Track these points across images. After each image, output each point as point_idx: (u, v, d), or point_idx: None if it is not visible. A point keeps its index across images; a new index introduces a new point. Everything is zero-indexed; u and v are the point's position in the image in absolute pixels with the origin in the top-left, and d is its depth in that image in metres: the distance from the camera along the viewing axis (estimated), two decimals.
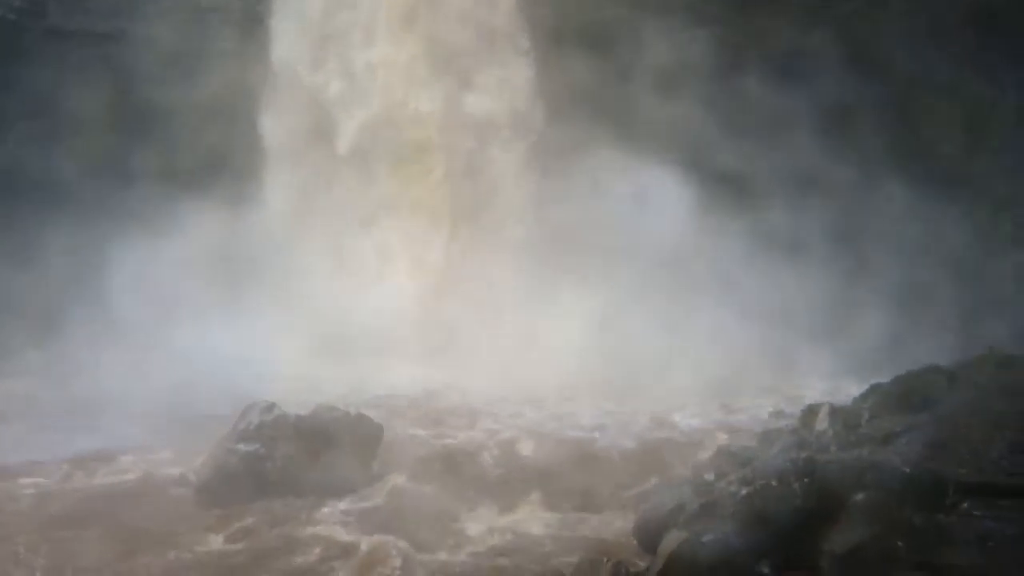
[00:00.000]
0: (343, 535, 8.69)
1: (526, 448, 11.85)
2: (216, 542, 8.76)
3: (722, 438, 11.76)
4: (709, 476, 8.54)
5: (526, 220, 18.20)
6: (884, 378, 9.74)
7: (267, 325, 15.80)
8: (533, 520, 9.26)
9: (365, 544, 8.39)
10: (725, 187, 16.68)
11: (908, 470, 7.13)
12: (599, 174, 16.87)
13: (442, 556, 8.22)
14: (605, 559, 7.08)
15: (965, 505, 6.84)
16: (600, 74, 17.78)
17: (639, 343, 14.71)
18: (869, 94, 17.24)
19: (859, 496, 6.81)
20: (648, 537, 7.54)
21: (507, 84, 18.60)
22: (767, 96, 16.86)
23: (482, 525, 8.99)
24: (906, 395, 8.93)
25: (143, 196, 17.75)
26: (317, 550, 8.41)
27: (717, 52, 17.62)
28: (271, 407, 10.78)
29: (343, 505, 9.50)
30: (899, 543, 6.32)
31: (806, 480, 7.15)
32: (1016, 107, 16.33)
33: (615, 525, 9.09)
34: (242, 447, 10.34)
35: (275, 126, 19.41)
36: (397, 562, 7.99)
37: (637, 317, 15.15)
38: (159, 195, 17.53)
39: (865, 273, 15.38)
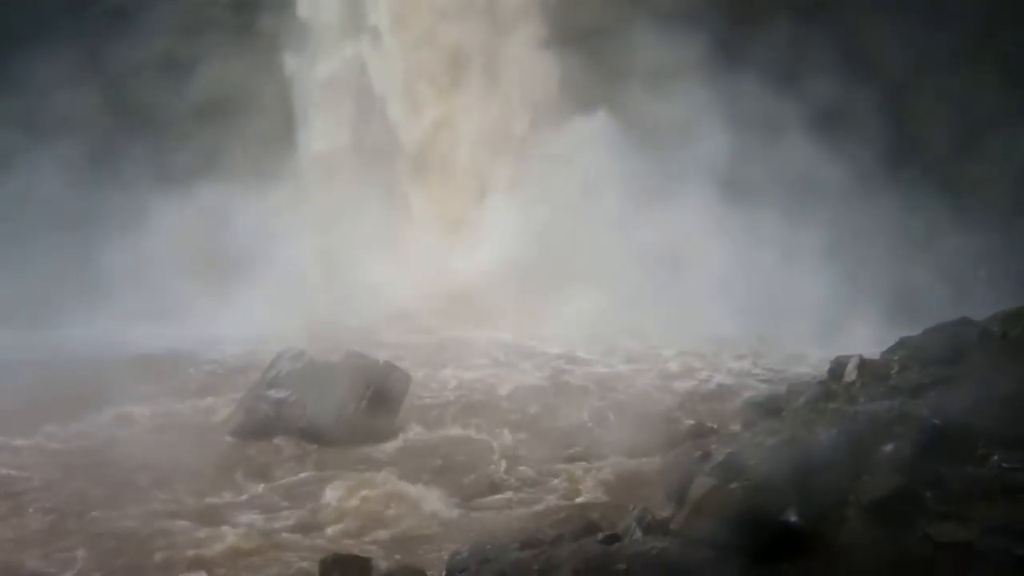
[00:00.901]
0: (365, 480, 8.84)
1: (557, 394, 11.99)
2: (248, 483, 8.91)
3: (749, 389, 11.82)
4: (736, 426, 8.60)
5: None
6: None
7: None
8: (559, 464, 9.34)
9: (386, 488, 8.53)
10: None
11: (938, 422, 7.11)
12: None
13: (481, 503, 8.33)
14: (631, 506, 7.17)
15: (995, 457, 6.82)
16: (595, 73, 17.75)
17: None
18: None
19: (888, 447, 6.80)
20: (675, 485, 7.55)
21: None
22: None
23: (510, 470, 9.08)
24: (936, 348, 8.86)
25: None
26: (333, 498, 8.59)
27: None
28: (301, 354, 10.93)
29: (368, 450, 9.65)
30: (927, 494, 6.31)
31: (834, 431, 7.16)
32: None
33: (644, 472, 9.17)
34: (272, 393, 10.51)
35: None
36: (415, 510, 8.13)
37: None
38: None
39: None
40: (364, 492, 8.53)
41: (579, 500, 8.46)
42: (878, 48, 17.45)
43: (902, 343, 9.39)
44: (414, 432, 10.28)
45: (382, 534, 7.88)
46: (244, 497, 8.69)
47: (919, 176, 16.70)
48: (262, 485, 8.94)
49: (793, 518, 5.98)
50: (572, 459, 9.57)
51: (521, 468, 9.26)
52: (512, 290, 15.80)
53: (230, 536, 7.77)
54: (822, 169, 16.14)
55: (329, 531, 7.97)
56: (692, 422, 10.32)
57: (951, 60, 16.77)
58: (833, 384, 9.00)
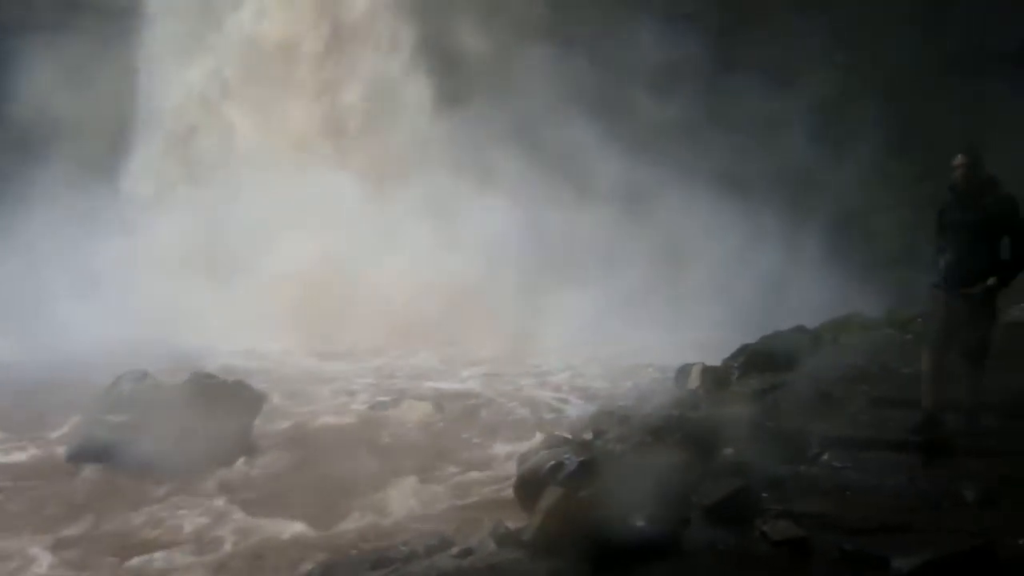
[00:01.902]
0: (213, 508, 8.49)
1: (409, 409, 11.89)
2: (76, 519, 8.41)
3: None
4: (588, 434, 8.77)
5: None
6: None
7: None
8: (411, 481, 9.26)
9: (234, 514, 8.24)
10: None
11: (772, 424, 7.48)
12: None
13: (316, 530, 8.10)
14: (485, 519, 7.19)
15: (826, 457, 7.24)
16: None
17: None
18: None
19: (728, 451, 7.11)
20: (528, 495, 7.65)
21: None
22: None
23: (361, 490, 8.93)
24: (773, 354, 9.32)
25: None
26: (182, 522, 8.24)
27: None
28: (144, 375, 10.47)
29: (215, 475, 9.29)
30: (764, 494, 6.62)
31: (678, 436, 7.43)
32: None
33: (497, 485, 9.20)
34: (112, 418, 9.99)
35: None
36: (263, 531, 7.88)
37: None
38: None
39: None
40: (209, 517, 8.20)
41: (433, 516, 8.39)
42: (876, 46, 17.59)
43: (743, 350, 9.84)
44: (265, 456, 9.94)
45: (229, 559, 7.59)
46: (72, 527, 8.19)
47: (921, 175, 16.45)
48: (91, 515, 8.43)
49: (640, 523, 6.14)
50: (427, 477, 9.49)
51: (375, 488, 9.09)
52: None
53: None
54: (822, 168, 16.42)
55: (171, 554, 7.61)
56: (546, 433, 10.49)
57: (951, 60, 16.89)
58: (678, 391, 9.31)
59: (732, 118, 16.98)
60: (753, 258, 15.31)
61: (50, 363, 13.09)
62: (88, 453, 9.77)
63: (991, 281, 6.86)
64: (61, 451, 10.07)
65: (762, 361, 9.29)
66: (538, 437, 9.98)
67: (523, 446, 9.64)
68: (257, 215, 17.38)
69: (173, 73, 19.24)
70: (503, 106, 17.12)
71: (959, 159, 7.02)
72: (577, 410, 11.77)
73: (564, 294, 15.48)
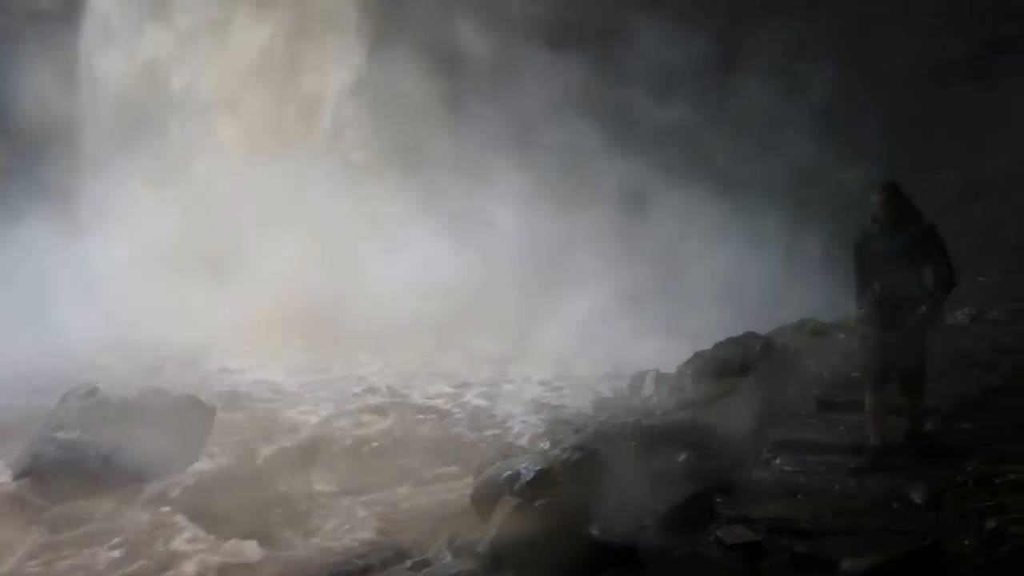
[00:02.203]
0: (163, 522, 8.37)
1: (368, 422, 11.82)
2: (27, 538, 8.23)
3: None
4: (544, 444, 8.79)
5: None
6: None
7: None
8: (367, 493, 9.21)
9: (188, 530, 8.13)
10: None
11: (726, 430, 7.57)
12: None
13: (268, 546, 8.01)
14: (441, 530, 7.18)
15: (778, 461, 7.34)
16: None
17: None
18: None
19: (681, 457, 7.18)
20: (485, 506, 7.64)
21: None
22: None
23: (316, 506, 8.85)
24: (726, 361, 9.41)
25: None
26: (133, 539, 8.10)
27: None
28: (93, 391, 10.27)
29: (166, 490, 9.15)
30: (718, 499, 6.70)
31: (633, 444, 7.49)
32: None
33: (455, 496, 9.18)
34: (61, 435, 9.80)
35: None
36: (216, 550, 7.78)
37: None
38: None
39: None
40: (158, 534, 8.07)
41: (389, 528, 8.34)
42: (878, 48, 17.29)
43: (696, 356, 9.91)
44: (217, 470, 9.80)
45: None
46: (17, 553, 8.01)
47: (924, 178, 16.13)
48: (44, 535, 8.25)
49: (596, 531, 6.18)
50: (383, 489, 9.42)
51: (330, 502, 9.02)
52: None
53: None
54: (824, 171, 16.34)
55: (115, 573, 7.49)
56: (504, 443, 10.51)
57: (954, 62, 16.77)
58: (633, 398, 9.37)
59: (733, 120, 17.00)
60: (754, 261, 15.27)
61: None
62: (35, 472, 9.54)
63: (922, 310, 6.86)
64: (7, 470, 9.80)
65: (715, 367, 9.36)
66: (495, 448, 9.99)
67: (481, 457, 9.60)
68: (244, 218, 17.25)
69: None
70: (503, 107, 17.04)
71: (879, 192, 7.05)
72: (540, 421, 11.74)
73: (563, 297, 15.45)
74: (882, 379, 7.07)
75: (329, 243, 16.96)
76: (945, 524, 6.00)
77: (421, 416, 12.29)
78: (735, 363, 9.39)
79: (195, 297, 15.74)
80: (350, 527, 8.41)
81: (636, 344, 14.58)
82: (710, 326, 13.98)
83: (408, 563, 6.38)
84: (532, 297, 15.52)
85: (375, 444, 11.09)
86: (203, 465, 9.89)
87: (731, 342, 10.11)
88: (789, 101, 16.62)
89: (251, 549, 7.91)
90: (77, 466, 9.42)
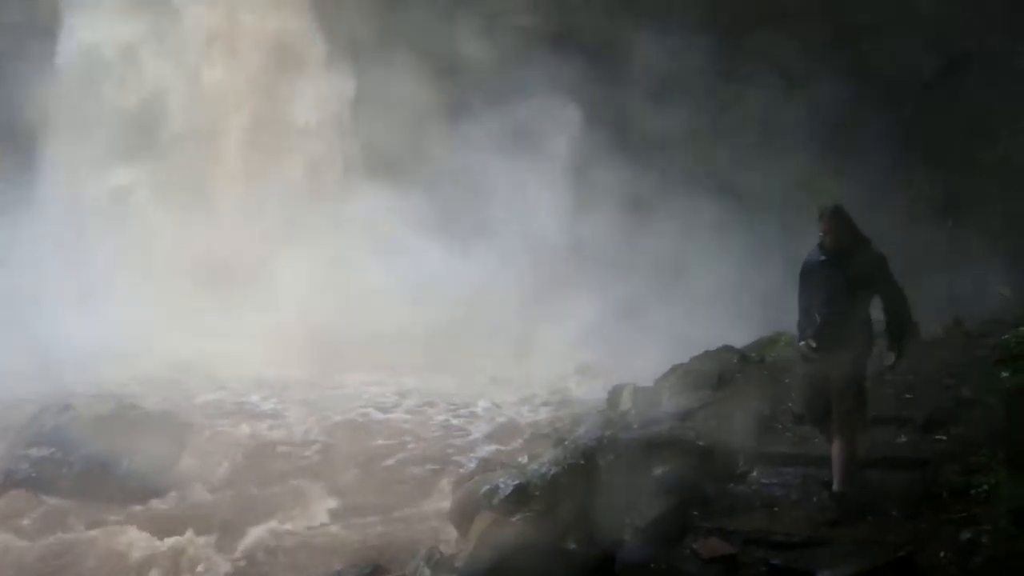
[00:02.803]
0: (140, 538, 8.26)
1: (344, 435, 11.75)
2: None
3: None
4: (523, 458, 8.78)
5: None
6: None
7: None
8: (347, 510, 9.16)
9: (162, 548, 8.05)
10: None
11: (702, 443, 7.59)
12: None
13: (246, 557, 7.96)
14: (419, 545, 7.15)
15: (754, 474, 7.37)
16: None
17: None
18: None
19: (659, 470, 7.19)
20: (463, 521, 7.62)
21: None
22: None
23: (290, 522, 8.79)
24: (704, 373, 9.44)
25: None
26: (108, 557, 8.01)
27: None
28: (66, 408, 10.23)
29: (142, 508, 9.07)
30: (695, 512, 6.71)
31: (611, 457, 7.48)
32: None
33: (434, 511, 9.15)
34: (34, 452, 9.71)
35: None
36: (193, 565, 7.71)
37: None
38: None
39: None
40: (136, 552, 7.98)
41: (367, 543, 8.30)
42: (882, 54, 17.22)
43: (673, 370, 9.94)
44: (191, 487, 9.71)
45: None
46: None
47: (927, 184, 16.53)
48: (14, 550, 8.16)
49: (573, 545, 6.18)
50: (361, 505, 9.39)
51: (306, 518, 8.97)
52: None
53: None
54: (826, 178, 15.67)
55: None
56: (482, 456, 10.50)
57: (957, 68, 16.63)
58: (611, 412, 9.37)
59: (735, 127, 17.03)
60: (755, 268, 15.30)
61: None
62: (7, 489, 9.43)
63: (889, 361, 6.53)
64: None
65: (692, 380, 9.39)
66: (473, 462, 9.97)
67: (460, 474, 9.59)
68: (245, 224, 17.19)
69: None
70: (504, 114, 17.05)
71: (824, 218, 6.68)
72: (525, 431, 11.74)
73: (564, 304, 15.44)
74: (825, 416, 6.65)
75: (328, 253, 16.89)
76: (921, 535, 6.04)
77: (404, 428, 12.28)
78: (712, 376, 9.42)
79: (191, 309, 15.61)
80: (325, 542, 8.35)
81: (636, 352, 14.74)
82: (711, 335, 14.19)
83: None
84: (532, 305, 15.54)
85: (354, 459, 11.03)
86: (177, 480, 9.80)
87: (707, 355, 10.15)
88: (789, 108, 16.56)
89: (225, 564, 7.85)
90: (52, 483, 9.32)
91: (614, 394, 9.76)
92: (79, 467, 9.55)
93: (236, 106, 18.61)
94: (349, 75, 19.08)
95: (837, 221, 6.63)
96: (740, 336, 12.93)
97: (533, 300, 15.64)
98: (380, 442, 11.71)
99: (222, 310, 15.39)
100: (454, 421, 12.79)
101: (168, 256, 16.72)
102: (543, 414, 12.99)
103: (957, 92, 16.48)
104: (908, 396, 8.42)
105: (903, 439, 7.62)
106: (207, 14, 18.60)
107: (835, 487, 6.53)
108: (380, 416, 13.00)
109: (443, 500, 9.37)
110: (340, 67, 19.05)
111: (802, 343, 6.74)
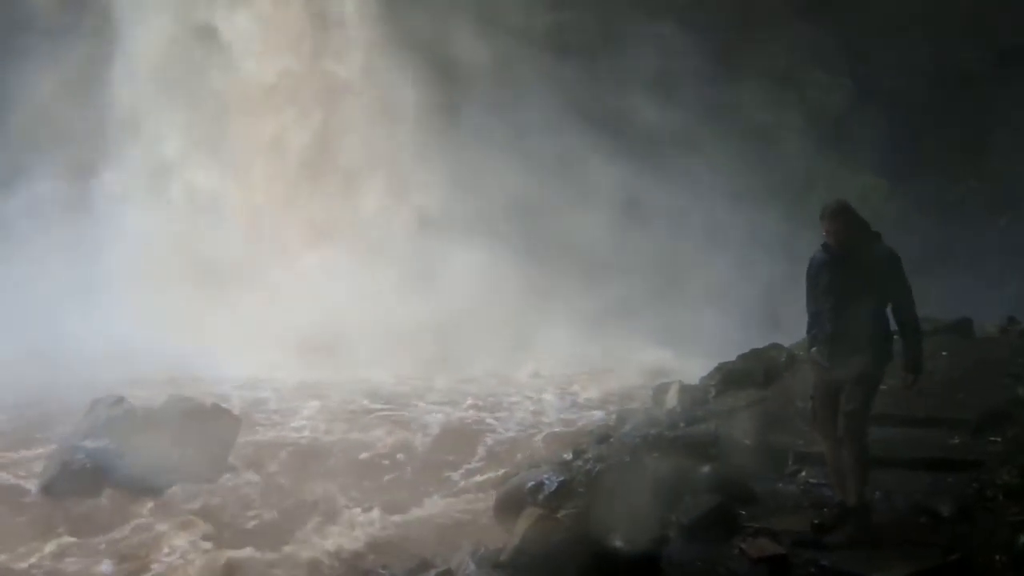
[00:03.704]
0: (187, 531, 8.41)
1: (390, 433, 11.83)
2: (52, 544, 8.29)
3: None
4: (568, 455, 8.78)
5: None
6: None
7: None
8: (390, 503, 9.23)
9: (208, 539, 8.21)
10: None
11: (749, 442, 7.53)
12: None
13: (292, 554, 8.04)
14: (465, 540, 7.19)
15: (803, 473, 7.29)
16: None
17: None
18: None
19: (705, 468, 7.14)
20: (508, 516, 7.66)
21: None
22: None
23: (338, 518, 8.87)
24: (749, 372, 9.37)
25: None
26: (153, 544, 8.19)
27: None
28: (120, 401, 10.38)
29: (193, 499, 9.21)
30: (742, 511, 6.66)
31: (656, 455, 7.46)
32: None
33: (476, 507, 9.19)
34: (89, 443, 9.91)
35: None
36: (237, 559, 7.81)
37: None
38: None
39: None
40: (184, 542, 8.14)
41: (413, 538, 8.35)
42: (879, 54, 17.27)
43: (719, 368, 9.88)
44: (243, 479, 9.86)
45: None
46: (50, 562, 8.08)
47: (924, 183, 16.50)
48: (64, 541, 8.31)
49: (618, 542, 6.16)
50: (407, 499, 9.45)
51: (353, 511, 9.04)
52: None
53: None
54: (823, 178, 16.15)
55: None
56: (526, 453, 10.51)
57: (956, 69, 16.64)
58: (656, 410, 9.34)
59: (732, 127, 16.90)
60: (752, 267, 15.24)
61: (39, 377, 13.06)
62: (63, 479, 9.63)
63: (909, 380, 6.03)
64: (35, 477, 9.90)
65: (738, 379, 9.34)
66: (518, 458, 9.98)
67: (503, 468, 9.61)
68: (249, 229, 17.32)
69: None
70: (501, 114, 17.07)
71: (831, 216, 6.05)
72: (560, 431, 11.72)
73: (561, 304, 15.43)
74: (834, 427, 6.20)
75: (327, 254, 17.01)
76: (975, 538, 5.94)
77: (432, 428, 12.18)
78: (758, 374, 9.36)
79: (199, 309, 15.78)
80: (373, 535, 8.42)
81: (634, 351, 14.82)
82: (708, 333, 14.18)
83: (432, 573, 6.39)
84: (531, 304, 15.49)
85: (395, 453, 11.09)
86: (229, 472, 9.95)
87: (754, 353, 10.07)
88: (788, 107, 16.57)
89: (274, 555, 7.96)
90: (107, 474, 9.50)
91: (659, 392, 9.72)
92: (133, 457, 9.70)
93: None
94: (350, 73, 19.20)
95: (844, 219, 6.03)
96: (738, 336, 12.90)
97: (531, 299, 15.61)
98: (410, 437, 11.70)
99: (223, 310, 15.58)
100: (486, 417, 12.76)
101: (169, 256, 16.92)
102: (568, 413, 12.94)
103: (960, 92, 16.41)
104: (961, 396, 8.28)
105: (956, 440, 7.49)
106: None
107: (850, 501, 6.13)
108: (404, 413, 12.92)
109: (481, 495, 9.45)
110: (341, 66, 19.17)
111: (813, 350, 6.34)
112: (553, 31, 18.15)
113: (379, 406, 13.30)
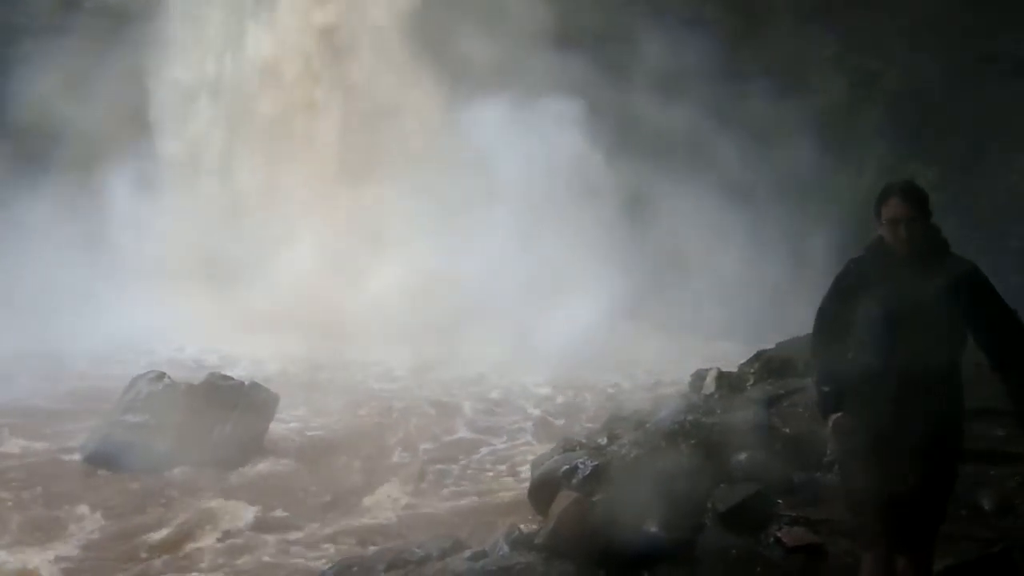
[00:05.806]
0: (227, 510, 8.50)
1: (422, 416, 11.90)
2: (88, 520, 8.43)
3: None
4: (602, 439, 8.75)
5: None
6: None
7: None
8: (424, 484, 9.29)
9: (248, 513, 8.34)
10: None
11: (788, 431, 7.46)
12: None
13: (326, 530, 8.13)
14: (499, 522, 7.21)
15: None
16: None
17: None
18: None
19: (742, 456, 7.09)
20: (542, 499, 7.67)
21: None
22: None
23: (373, 497, 8.95)
24: (789, 360, 9.26)
25: None
26: (196, 521, 8.29)
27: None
28: (160, 376, 10.54)
29: (234, 475, 9.34)
30: (779, 500, 6.61)
31: (693, 442, 7.42)
32: None
33: (514, 489, 9.21)
34: (130, 418, 10.07)
35: None
36: (271, 535, 7.93)
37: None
38: None
39: None
40: (223, 519, 8.24)
41: (447, 519, 8.41)
42: (886, 53, 17.14)
43: (758, 355, 9.78)
44: (281, 455, 9.99)
45: (247, 560, 7.64)
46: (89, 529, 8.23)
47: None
48: (103, 516, 8.46)
49: (653, 528, 6.14)
50: (441, 480, 9.53)
51: (387, 490, 9.13)
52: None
53: None
54: (830, 177, 16.13)
55: (195, 558, 7.67)
56: (562, 437, 10.49)
57: (962, 68, 16.45)
58: (693, 396, 9.27)
59: (739, 125, 16.72)
60: (759, 266, 15.11)
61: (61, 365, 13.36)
62: (105, 454, 9.81)
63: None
64: (77, 452, 10.09)
65: (778, 367, 9.22)
66: (554, 441, 9.97)
67: (541, 450, 9.62)
68: (256, 219, 17.53)
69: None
70: (505, 111, 17.03)
71: (902, 196, 4.15)
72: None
73: (565, 300, 15.41)
74: (886, 537, 4.39)
75: (330, 246, 17.08)
76: (1016, 532, 5.84)
77: (455, 407, 12.35)
78: (798, 363, 9.23)
79: (200, 300, 15.96)
80: (406, 516, 8.50)
81: (639, 349, 14.93)
82: (715, 331, 14.11)
83: (466, 553, 6.40)
84: (535, 300, 15.41)
85: (430, 435, 11.15)
86: (266, 450, 10.09)
87: (795, 341, 9.92)
88: (795, 106, 16.33)
89: (309, 533, 8.06)
90: (144, 450, 9.64)
91: (697, 378, 9.65)
92: (171, 435, 9.85)
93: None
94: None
95: (919, 206, 4.14)
96: (743, 334, 13.27)
97: (536, 295, 15.49)
98: (437, 419, 11.81)
99: (229, 299, 15.79)
100: (516, 400, 12.88)
101: (173, 251, 17.07)
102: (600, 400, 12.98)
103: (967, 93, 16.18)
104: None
105: (1001, 432, 7.33)
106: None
107: None
108: (428, 395, 13.03)
109: (514, 477, 9.53)
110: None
111: (837, 416, 4.35)
112: (560, 29, 17.99)
113: (399, 388, 13.41)
